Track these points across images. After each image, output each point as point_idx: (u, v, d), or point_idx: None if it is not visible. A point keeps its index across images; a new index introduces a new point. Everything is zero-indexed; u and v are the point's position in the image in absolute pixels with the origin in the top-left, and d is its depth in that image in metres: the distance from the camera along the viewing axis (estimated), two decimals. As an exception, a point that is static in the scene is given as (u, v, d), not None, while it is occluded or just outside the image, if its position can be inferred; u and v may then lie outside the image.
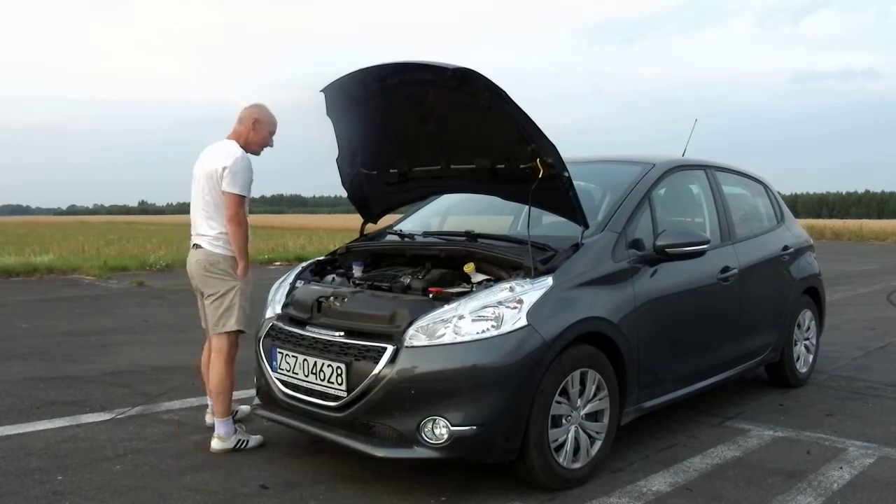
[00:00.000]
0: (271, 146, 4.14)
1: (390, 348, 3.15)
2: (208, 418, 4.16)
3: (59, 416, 4.40)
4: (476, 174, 3.86)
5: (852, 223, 35.51)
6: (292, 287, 3.94)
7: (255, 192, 4.12)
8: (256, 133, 4.00)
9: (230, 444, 3.82)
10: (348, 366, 3.23)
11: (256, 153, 4.06)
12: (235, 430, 3.88)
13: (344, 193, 4.41)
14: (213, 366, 3.92)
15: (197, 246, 3.97)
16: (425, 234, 4.27)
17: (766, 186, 5.58)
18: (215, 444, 3.82)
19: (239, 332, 3.94)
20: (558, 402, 3.28)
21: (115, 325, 7.87)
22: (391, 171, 4.18)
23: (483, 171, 3.79)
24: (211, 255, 3.91)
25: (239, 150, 3.90)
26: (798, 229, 5.72)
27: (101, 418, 4.38)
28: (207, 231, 3.92)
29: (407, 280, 3.60)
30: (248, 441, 3.87)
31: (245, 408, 4.32)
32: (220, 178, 3.84)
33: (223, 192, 3.84)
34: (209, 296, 3.93)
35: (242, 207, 3.88)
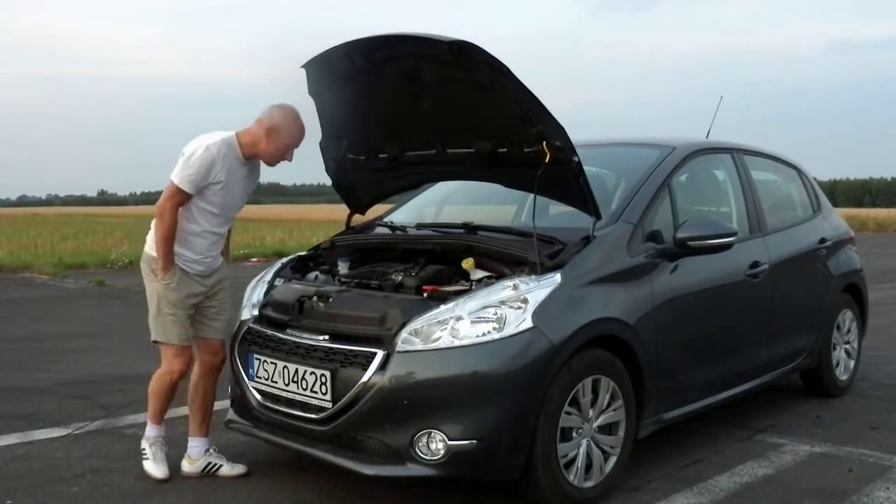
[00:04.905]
0: (289, 160, 3.73)
1: (380, 353, 3.16)
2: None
3: (8, 431, 4.41)
4: (475, 159, 3.86)
5: (899, 213, 35.58)
6: (271, 286, 3.95)
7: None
8: (270, 143, 3.61)
9: (198, 466, 3.75)
10: (333, 373, 3.24)
11: (270, 164, 3.74)
12: (208, 451, 3.78)
13: (328, 181, 4.43)
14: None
15: None
16: (419, 225, 4.28)
17: (800, 172, 5.60)
18: (183, 465, 3.78)
19: (155, 342, 3.71)
20: (568, 414, 3.29)
21: (72, 330, 7.88)
22: (381, 155, 4.19)
23: (483, 155, 3.79)
24: (145, 253, 3.74)
25: (211, 141, 3.51)
26: (837, 220, 5.74)
27: (56, 434, 4.39)
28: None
29: (399, 277, 3.61)
30: (219, 466, 3.75)
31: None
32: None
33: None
34: None
35: (172, 200, 3.51)
